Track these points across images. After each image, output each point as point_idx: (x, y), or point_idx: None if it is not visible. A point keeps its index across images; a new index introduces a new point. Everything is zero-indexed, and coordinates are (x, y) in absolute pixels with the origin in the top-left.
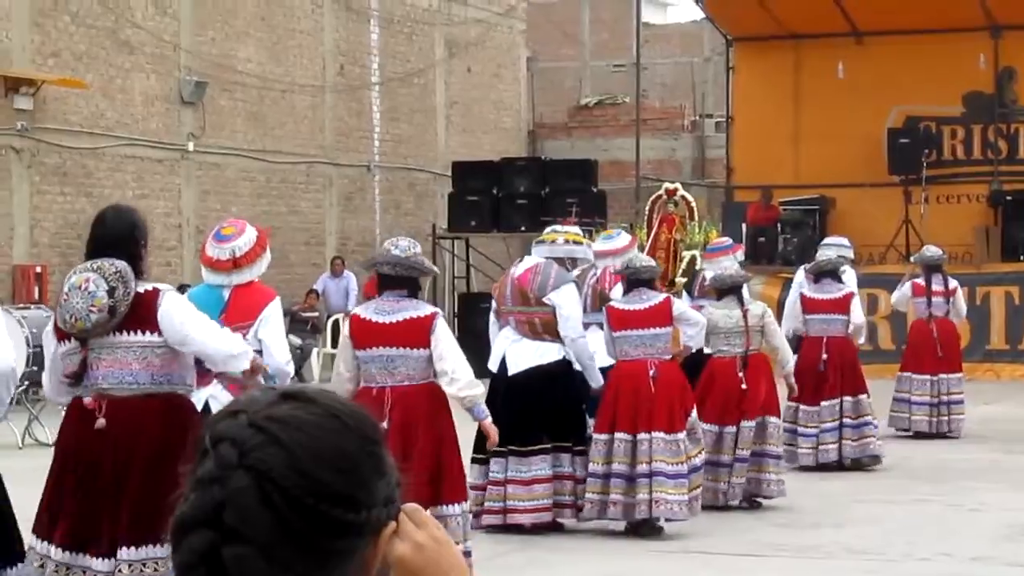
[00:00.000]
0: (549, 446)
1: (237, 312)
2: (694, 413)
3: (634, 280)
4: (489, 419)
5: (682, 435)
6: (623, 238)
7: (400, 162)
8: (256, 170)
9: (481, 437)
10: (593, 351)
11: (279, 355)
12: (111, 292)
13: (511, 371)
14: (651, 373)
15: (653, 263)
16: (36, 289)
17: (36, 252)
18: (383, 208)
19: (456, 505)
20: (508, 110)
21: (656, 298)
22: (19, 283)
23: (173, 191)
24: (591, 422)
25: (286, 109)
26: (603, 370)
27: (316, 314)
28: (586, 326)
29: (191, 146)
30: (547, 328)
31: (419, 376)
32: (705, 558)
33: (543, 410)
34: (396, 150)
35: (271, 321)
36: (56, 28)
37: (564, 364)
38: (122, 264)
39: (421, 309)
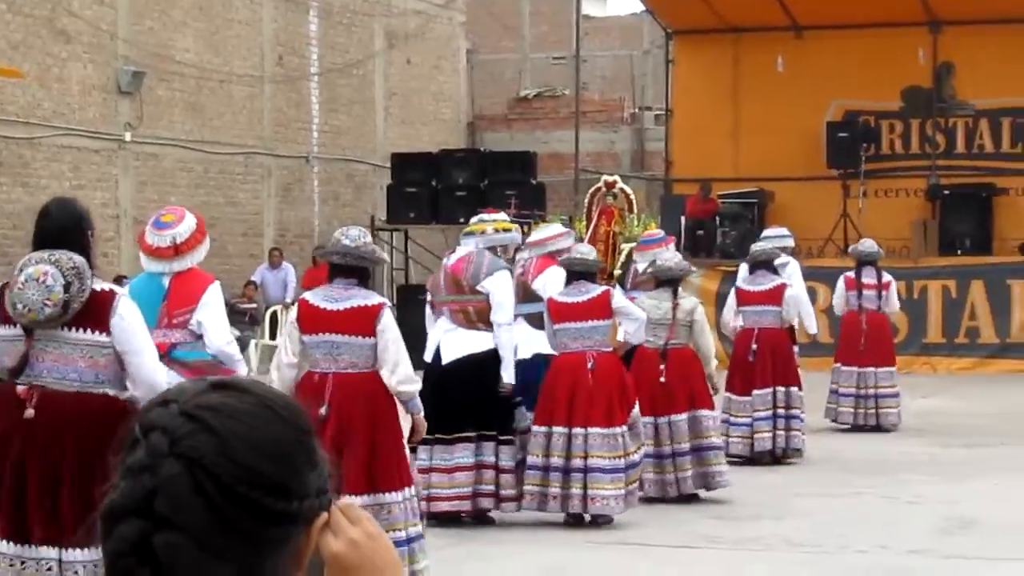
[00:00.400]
0: (473, 435)
1: (178, 298)
2: (636, 408)
3: (574, 272)
4: (422, 414)
5: (620, 429)
6: (550, 228)
7: (339, 153)
8: (194, 160)
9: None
10: (515, 344)
11: (219, 338)
12: (67, 287)
13: (444, 360)
14: (589, 365)
15: (593, 255)
16: None
17: None
18: (322, 199)
19: (397, 492)
20: (447, 102)
21: (595, 290)
22: None
23: (110, 181)
24: (529, 415)
25: (224, 99)
26: (545, 359)
27: (254, 305)
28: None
29: (128, 136)
30: (481, 316)
31: (362, 364)
32: (644, 550)
33: (472, 399)
34: (335, 141)
35: (211, 304)
36: None
37: (496, 353)
38: (80, 260)
39: (370, 298)
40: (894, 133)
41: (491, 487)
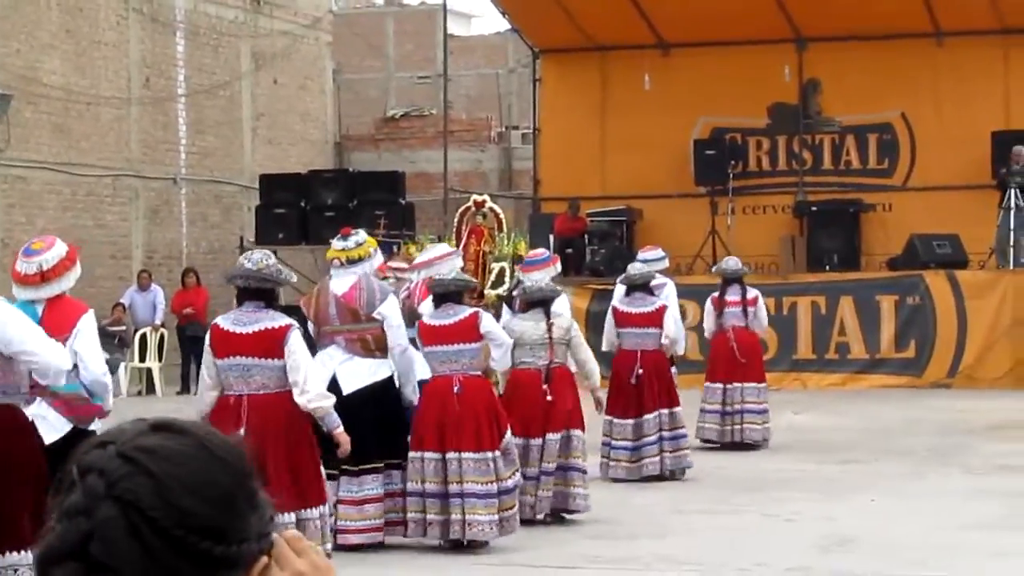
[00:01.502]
0: (381, 464)
1: (51, 326)
2: (508, 433)
3: (442, 295)
4: (340, 428)
5: (491, 454)
6: (437, 248)
7: (207, 175)
8: (61, 183)
9: (328, 452)
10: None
11: (95, 367)
12: None
13: (345, 391)
14: (456, 389)
15: (462, 276)
16: None
17: None
18: (190, 221)
19: (314, 509)
20: (315, 122)
21: (463, 312)
22: None
23: None
24: None
25: (91, 122)
26: (422, 384)
27: (124, 328)
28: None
29: None
30: (379, 344)
31: (275, 385)
32: (528, 571)
33: (377, 428)
34: (203, 163)
35: (85, 333)
36: None
37: (392, 381)
38: None
39: (277, 320)
40: (761, 150)
41: (400, 515)
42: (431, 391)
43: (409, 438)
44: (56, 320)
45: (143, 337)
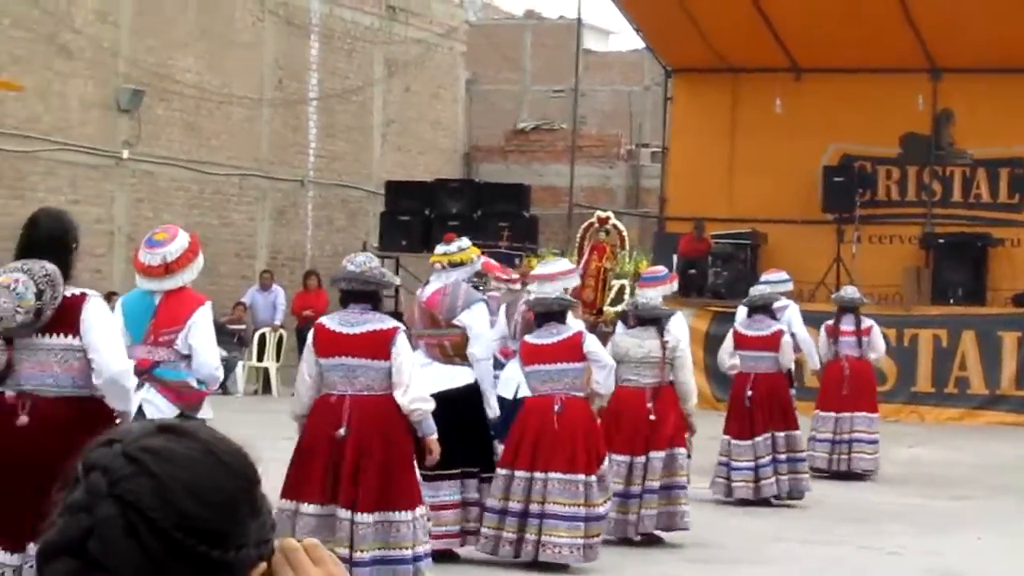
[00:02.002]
0: (458, 472)
1: (166, 317)
2: (606, 461)
3: (545, 314)
4: (434, 436)
5: (583, 478)
6: (560, 264)
7: (334, 178)
8: (189, 180)
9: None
10: (520, 380)
11: (208, 360)
12: (39, 295)
13: None
14: (556, 409)
15: (564, 296)
16: None
17: None
18: (315, 224)
19: (406, 512)
20: (445, 131)
21: (567, 331)
22: None
23: (106, 198)
24: (500, 448)
25: (222, 121)
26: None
27: (243, 327)
28: (515, 353)
29: (126, 153)
30: (457, 350)
31: (378, 387)
32: None
33: (453, 435)
34: (331, 166)
35: (200, 326)
36: None
37: (475, 388)
38: (52, 267)
39: (384, 323)
40: (891, 179)
41: (476, 524)
42: (531, 409)
43: (500, 451)
44: (172, 311)
45: (262, 337)
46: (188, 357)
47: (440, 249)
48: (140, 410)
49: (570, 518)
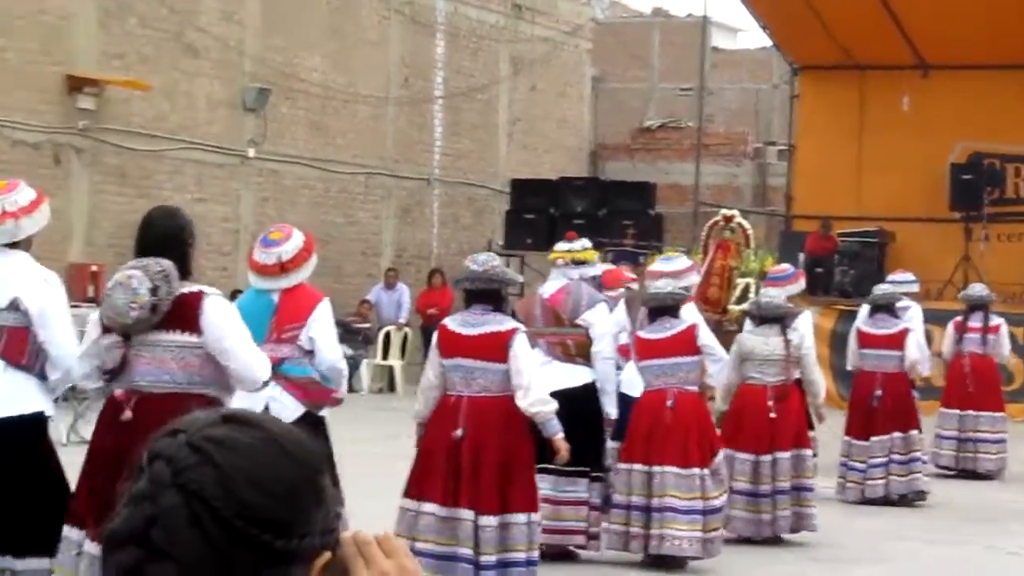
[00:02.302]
0: (569, 470)
1: (288, 315)
2: (720, 453)
3: (658, 308)
4: (561, 435)
5: (698, 471)
6: (681, 261)
7: (460, 177)
8: (315, 178)
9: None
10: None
11: (330, 354)
12: (154, 290)
13: None
14: (668, 403)
15: (668, 289)
16: (91, 288)
17: (92, 251)
18: (441, 222)
19: (521, 515)
20: (571, 129)
21: (680, 325)
22: (74, 281)
23: (232, 196)
24: (613, 445)
25: (348, 119)
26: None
27: (368, 325)
28: None
29: (251, 152)
30: (580, 350)
31: (496, 389)
32: None
33: (568, 433)
34: (456, 164)
35: (321, 321)
36: (122, 30)
37: (593, 388)
38: (167, 263)
39: (503, 324)
40: (1020, 177)
41: (583, 524)
42: (644, 404)
43: (618, 448)
44: (292, 307)
45: (387, 335)
46: (311, 353)
47: (563, 246)
48: (266, 408)
49: (688, 511)
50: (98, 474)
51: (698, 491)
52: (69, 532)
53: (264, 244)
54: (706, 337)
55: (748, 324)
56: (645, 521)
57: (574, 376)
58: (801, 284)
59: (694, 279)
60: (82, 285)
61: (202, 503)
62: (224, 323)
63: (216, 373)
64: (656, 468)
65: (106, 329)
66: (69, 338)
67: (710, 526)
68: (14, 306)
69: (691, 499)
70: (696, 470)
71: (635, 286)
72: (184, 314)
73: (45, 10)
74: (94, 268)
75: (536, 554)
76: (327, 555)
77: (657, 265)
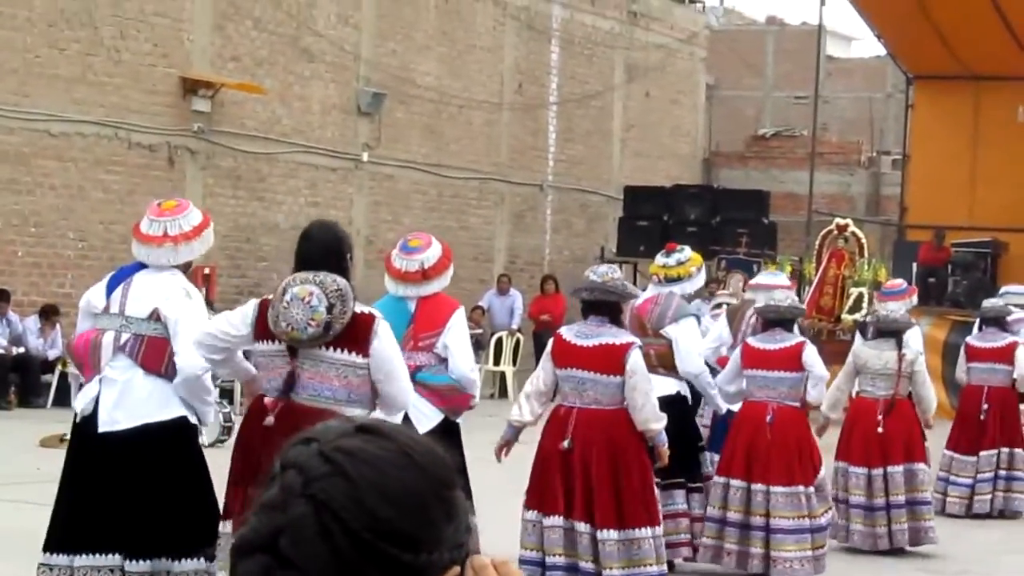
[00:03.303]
0: (662, 483)
1: (425, 322)
2: (823, 470)
3: (773, 320)
4: (665, 446)
5: (804, 489)
6: (781, 278)
7: (573, 183)
8: (428, 183)
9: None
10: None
11: (464, 363)
12: (330, 309)
13: None
14: (768, 419)
15: (788, 302)
16: (204, 290)
17: (206, 253)
18: (553, 228)
19: (645, 529)
20: (685, 137)
21: (790, 340)
22: None
23: (345, 200)
24: (712, 457)
25: (462, 124)
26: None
27: (480, 331)
28: None
29: (365, 156)
30: (662, 361)
31: (607, 401)
32: None
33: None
34: (570, 171)
35: (456, 329)
36: (237, 32)
37: (679, 399)
38: (344, 283)
39: (619, 337)
40: None
41: (686, 535)
42: (744, 417)
43: (715, 461)
44: (429, 315)
45: (499, 341)
46: (445, 360)
47: (659, 261)
48: (405, 416)
49: (796, 531)
50: (238, 473)
51: (804, 509)
52: (226, 528)
53: (405, 251)
54: (812, 356)
55: (859, 337)
56: (741, 538)
57: (658, 387)
58: (914, 299)
59: (789, 295)
60: (195, 287)
61: (331, 514)
62: (392, 349)
63: (370, 393)
64: (758, 486)
65: (265, 335)
66: (196, 351)
67: (817, 544)
68: (154, 316)
69: (800, 518)
70: (801, 488)
71: (734, 300)
72: (356, 335)
73: (161, 12)
74: (206, 270)
75: (665, 567)
76: (455, 569)
77: (760, 279)
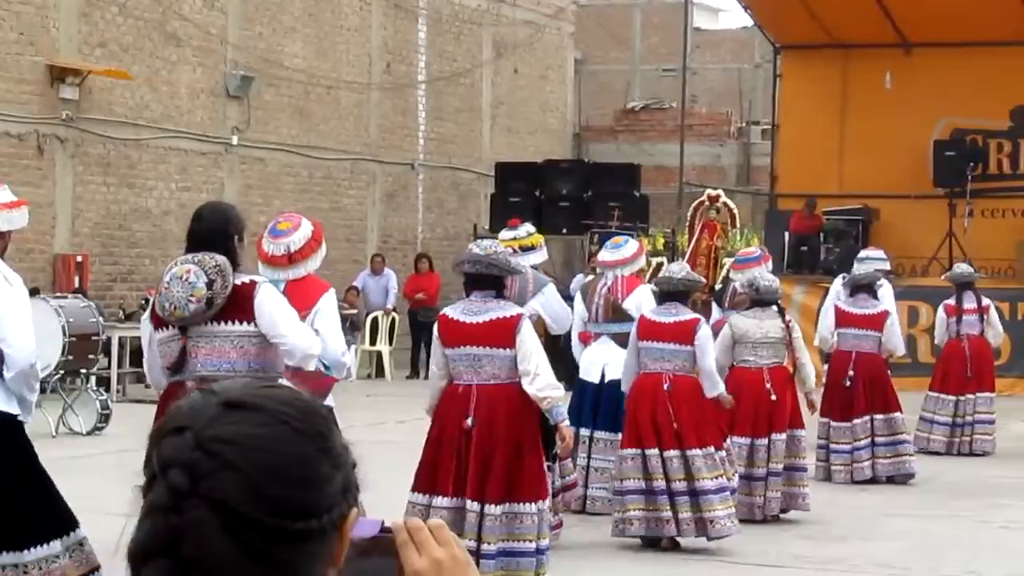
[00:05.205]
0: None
1: (293, 303)
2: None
3: (668, 292)
4: (566, 422)
5: (715, 450)
6: (630, 246)
7: (444, 161)
8: (299, 165)
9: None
10: (605, 362)
11: (335, 345)
12: (210, 284)
13: None
14: (665, 387)
15: (682, 275)
16: (76, 278)
17: (77, 242)
18: (426, 207)
19: (531, 504)
20: (554, 112)
21: (685, 315)
22: (60, 272)
23: (216, 184)
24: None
25: (331, 105)
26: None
27: (355, 311)
28: (598, 336)
29: (235, 140)
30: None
31: (505, 376)
32: (735, 568)
33: None
34: (440, 149)
35: (326, 312)
36: (103, 19)
37: None
38: (222, 258)
39: (508, 310)
40: (1002, 152)
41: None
42: (640, 388)
43: (615, 433)
44: (298, 298)
45: (375, 320)
46: None
47: (507, 234)
48: None
49: (720, 490)
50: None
51: (720, 469)
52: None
53: (273, 234)
54: (703, 336)
55: (715, 309)
56: (672, 504)
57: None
58: (769, 265)
59: (642, 262)
60: (67, 275)
61: (231, 511)
62: (273, 304)
63: (272, 358)
64: (671, 452)
65: (159, 323)
66: (25, 337)
67: (733, 504)
68: None
69: (720, 478)
70: (712, 449)
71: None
72: (240, 304)
73: (26, 0)
74: (79, 258)
75: (546, 542)
76: (354, 512)
77: (605, 254)
